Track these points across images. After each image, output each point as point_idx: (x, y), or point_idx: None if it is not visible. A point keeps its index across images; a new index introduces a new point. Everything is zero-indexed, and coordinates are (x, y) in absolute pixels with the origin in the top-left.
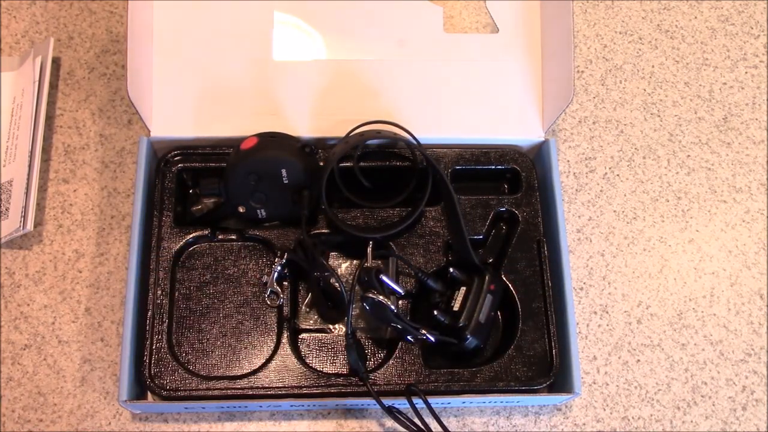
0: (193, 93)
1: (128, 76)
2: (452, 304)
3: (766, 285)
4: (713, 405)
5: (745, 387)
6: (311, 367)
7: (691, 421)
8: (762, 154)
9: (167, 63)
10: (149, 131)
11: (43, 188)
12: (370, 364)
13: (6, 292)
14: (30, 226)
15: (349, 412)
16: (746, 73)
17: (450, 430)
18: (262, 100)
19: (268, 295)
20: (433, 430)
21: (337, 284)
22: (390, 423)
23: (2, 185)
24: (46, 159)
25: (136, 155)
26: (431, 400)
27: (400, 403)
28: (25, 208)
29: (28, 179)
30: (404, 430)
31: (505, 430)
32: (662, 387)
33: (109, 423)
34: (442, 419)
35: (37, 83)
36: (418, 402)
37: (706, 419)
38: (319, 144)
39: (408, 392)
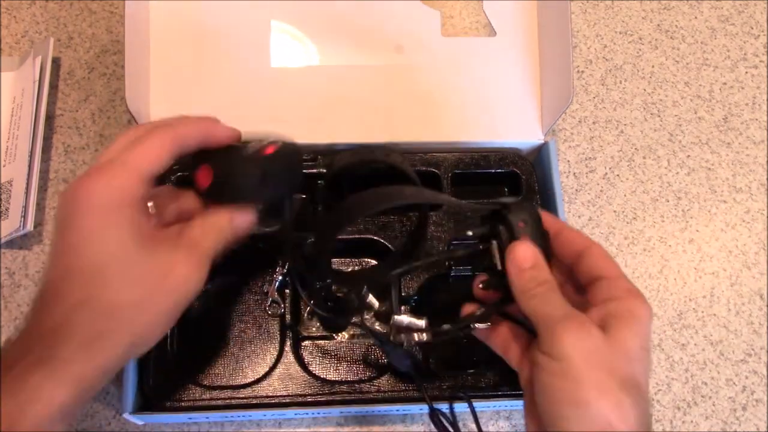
0: (190, 99)
1: (126, 84)
2: (495, 263)
3: (766, 285)
4: (713, 405)
5: (745, 387)
6: (315, 374)
7: (691, 422)
8: (762, 154)
9: (165, 69)
10: None
11: (43, 188)
12: (374, 370)
13: (6, 292)
14: (30, 226)
15: (354, 419)
16: (746, 73)
17: None
18: (260, 107)
19: (270, 304)
20: None
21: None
22: (394, 429)
23: (2, 185)
24: (46, 159)
25: None
26: (437, 405)
27: (405, 410)
28: (25, 208)
29: (28, 179)
30: None
31: (505, 430)
32: (662, 387)
33: (109, 423)
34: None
35: (37, 83)
36: (414, 407)
37: (706, 419)
38: (319, 150)
39: (451, 397)
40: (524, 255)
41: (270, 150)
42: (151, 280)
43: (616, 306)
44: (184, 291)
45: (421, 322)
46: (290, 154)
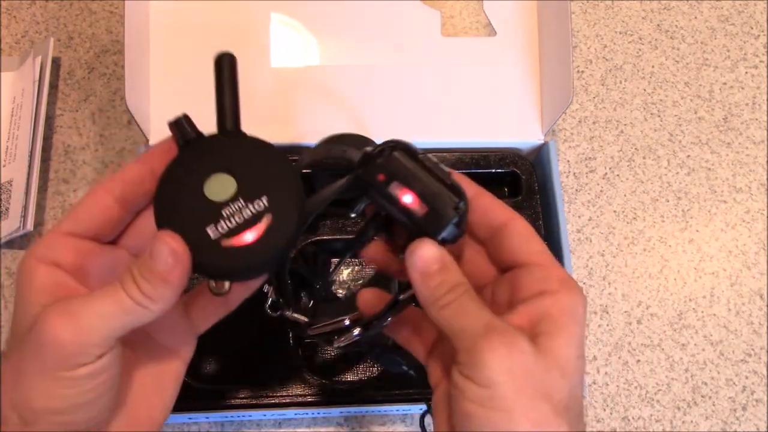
0: (190, 99)
1: (126, 84)
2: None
3: (766, 285)
4: (713, 405)
5: (745, 387)
6: (315, 374)
7: (691, 421)
8: (762, 154)
9: (165, 69)
10: (147, 139)
11: (43, 188)
12: (373, 370)
13: (6, 292)
14: (30, 226)
15: (354, 419)
16: (746, 73)
17: None
18: (260, 107)
19: (269, 305)
20: None
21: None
22: (394, 429)
23: (2, 185)
24: (46, 159)
25: (135, 156)
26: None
27: (405, 410)
28: (25, 208)
29: (28, 179)
30: None
31: None
32: (662, 387)
33: None
34: None
35: (37, 83)
36: (414, 407)
37: (706, 419)
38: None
39: None
40: (427, 257)
41: (250, 237)
42: (23, 340)
43: (550, 304)
44: (61, 357)
45: (303, 318)
46: (288, 235)
